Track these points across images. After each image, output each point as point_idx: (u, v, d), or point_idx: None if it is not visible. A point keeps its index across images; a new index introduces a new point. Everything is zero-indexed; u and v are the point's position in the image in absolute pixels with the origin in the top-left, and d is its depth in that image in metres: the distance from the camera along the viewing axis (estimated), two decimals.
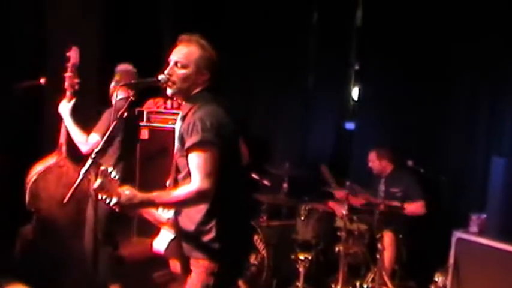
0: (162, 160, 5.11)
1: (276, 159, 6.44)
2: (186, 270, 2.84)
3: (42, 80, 4.76)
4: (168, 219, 2.81)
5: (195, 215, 2.73)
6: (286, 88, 6.91)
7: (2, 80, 5.09)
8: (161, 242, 2.86)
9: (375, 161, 5.68)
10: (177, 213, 2.81)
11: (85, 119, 5.86)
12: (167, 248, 2.82)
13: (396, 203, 5.12)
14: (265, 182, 5.49)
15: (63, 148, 4.41)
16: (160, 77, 2.78)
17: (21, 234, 4.47)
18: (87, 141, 4.16)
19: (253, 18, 6.85)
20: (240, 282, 4.78)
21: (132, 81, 3.08)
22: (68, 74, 4.42)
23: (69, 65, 4.45)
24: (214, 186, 2.58)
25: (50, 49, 5.79)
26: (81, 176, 2.59)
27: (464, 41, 5.59)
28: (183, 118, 2.79)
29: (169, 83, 2.78)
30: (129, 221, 6.28)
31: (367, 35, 6.49)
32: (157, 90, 4.54)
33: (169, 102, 6.35)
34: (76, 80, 4.41)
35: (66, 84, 4.40)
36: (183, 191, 2.63)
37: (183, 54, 2.78)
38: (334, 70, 6.76)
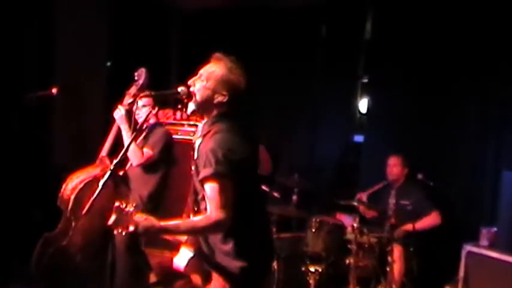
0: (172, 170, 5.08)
1: (284, 171, 6.43)
2: (207, 281, 2.90)
3: (54, 90, 4.79)
4: (187, 238, 2.88)
5: (214, 236, 2.78)
6: (295, 100, 6.93)
7: (13, 91, 5.12)
8: (181, 259, 2.93)
9: (398, 166, 5.61)
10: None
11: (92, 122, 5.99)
12: (187, 264, 2.89)
13: (409, 226, 5.13)
14: (275, 194, 5.48)
15: (107, 161, 4.43)
16: (180, 89, 2.80)
17: (46, 240, 4.42)
18: (143, 156, 4.33)
19: (262, 31, 6.87)
20: None
21: (152, 93, 3.09)
22: (130, 91, 4.47)
23: (136, 84, 4.45)
24: (231, 215, 2.60)
25: (60, 59, 5.85)
26: (100, 187, 2.62)
27: (475, 54, 5.60)
28: (203, 137, 2.79)
29: (191, 95, 2.79)
30: None
31: (376, 48, 6.51)
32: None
33: (178, 113, 6.32)
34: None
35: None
36: (201, 221, 2.67)
37: (208, 69, 2.82)
38: (343, 83, 6.79)
